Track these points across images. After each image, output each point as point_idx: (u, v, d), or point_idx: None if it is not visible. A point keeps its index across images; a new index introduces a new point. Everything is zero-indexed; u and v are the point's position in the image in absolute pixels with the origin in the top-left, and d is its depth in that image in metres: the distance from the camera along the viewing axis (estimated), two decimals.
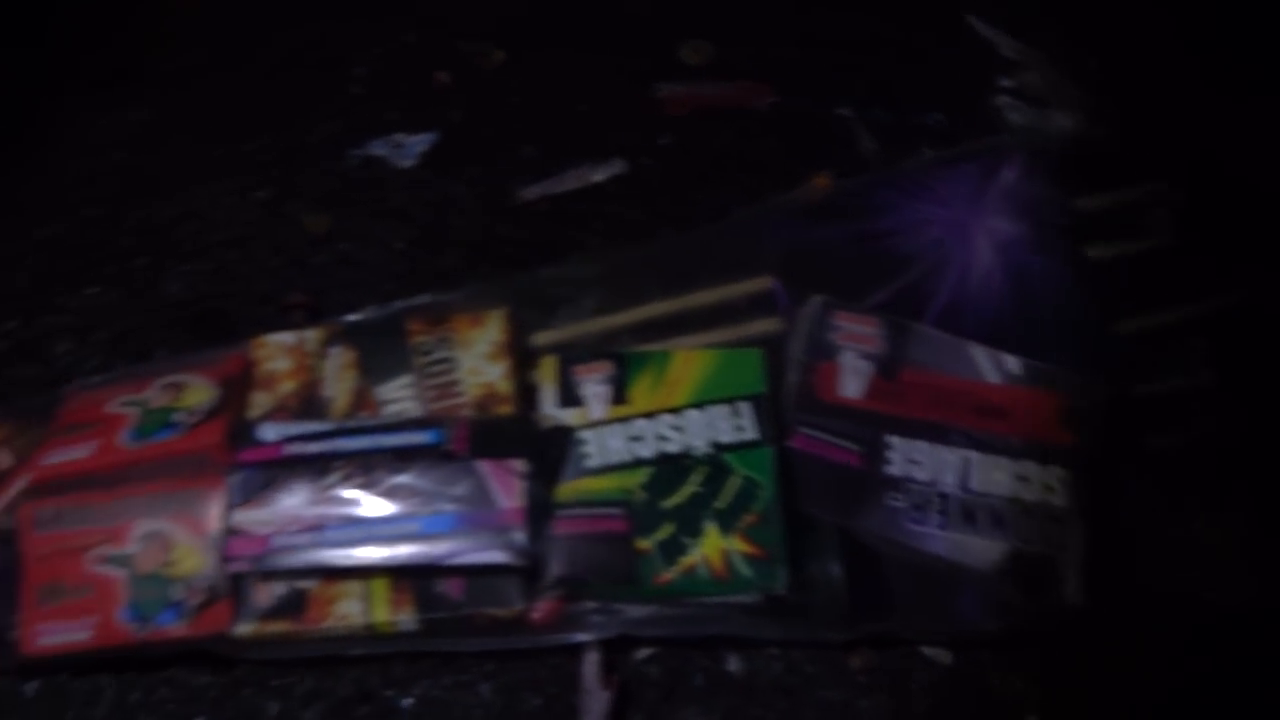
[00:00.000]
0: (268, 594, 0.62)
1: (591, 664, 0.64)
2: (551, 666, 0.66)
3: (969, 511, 0.62)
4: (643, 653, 0.66)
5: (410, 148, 0.92)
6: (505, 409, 0.67)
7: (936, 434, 0.64)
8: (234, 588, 0.62)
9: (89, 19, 1.02)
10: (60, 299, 0.85)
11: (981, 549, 0.62)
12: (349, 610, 0.62)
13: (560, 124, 0.93)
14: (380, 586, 0.63)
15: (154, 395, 0.68)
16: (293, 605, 0.62)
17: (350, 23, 1.02)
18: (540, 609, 0.62)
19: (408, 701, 0.65)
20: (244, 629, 0.61)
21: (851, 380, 0.66)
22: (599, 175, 0.88)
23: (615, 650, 0.65)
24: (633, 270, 0.76)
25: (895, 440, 0.64)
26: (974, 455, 0.64)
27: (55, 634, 0.61)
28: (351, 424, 0.64)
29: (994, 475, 0.64)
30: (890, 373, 0.66)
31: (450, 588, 0.62)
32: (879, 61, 0.95)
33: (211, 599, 0.62)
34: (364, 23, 1.02)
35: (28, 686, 0.67)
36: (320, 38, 1.02)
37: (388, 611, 0.62)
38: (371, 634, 0.62)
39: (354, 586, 0.63)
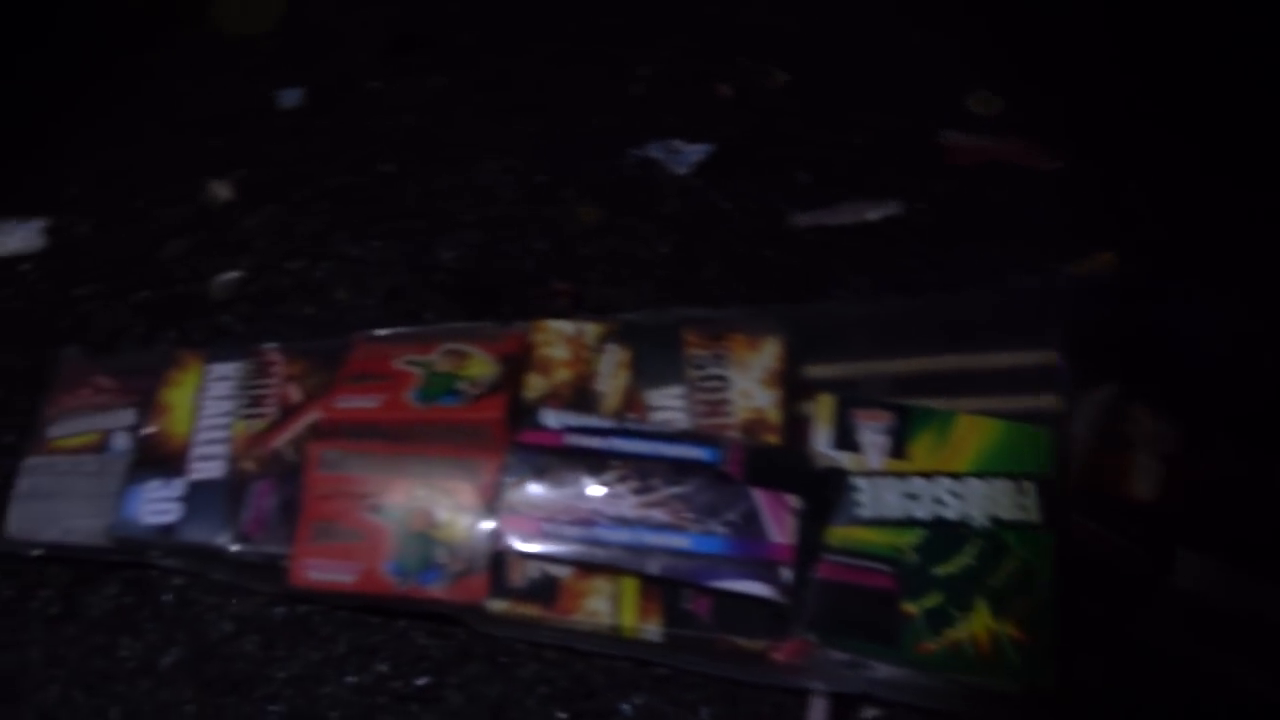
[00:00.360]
0: (522, 575, 0.63)
1: (819, 711, 0.63)
2: (774, 704, 0.65)
3: (1251, 640, 0.58)
4: (871, 712, 0.64)
5: (686, 155, 0.92)
6: (772, 438, 0.67)
7: (1230, 552, 0.60)
8: (493, 563, 0.64)
9: None
10: (343, 246, 0.89)
11: (1258, 680, 0.58)
12: (598, 608, 0.63)
13: (838, 155, 0.92)
14: (631, 591, 0.63)
15: (438, 360, 0.70)
16: (545, 591, 0.63)
17: (638, 23, 1.03)
18: (786, 648, 0.61)
19: (627, 706, 0.66)
20: (497, 605, 0.63)
21: (1143, 479, 0.63)
22: (873, 213, 0.87)
23: (843, 703, 0.64)
24: (910, 318, 0.74)
25: (1186, 552, 0.61)
26: (1268, 582, 0.60)
27: (323, 571, 0.64)
28: (631, 426, 0.64)
29: None
30: (1185, 478, 0.63)
31: (698, 606, 0.62)
32: (1183, 141, 0.90)
33: (470, 569, 0.64)
34: (651, 25, 1.03)
35: (277, 610, 0.70)
36: (608, 33, 1.04)
37: (635, 617, 0.62)
38: (615, 635, 0.63)
39: (605, 585, 0.63)
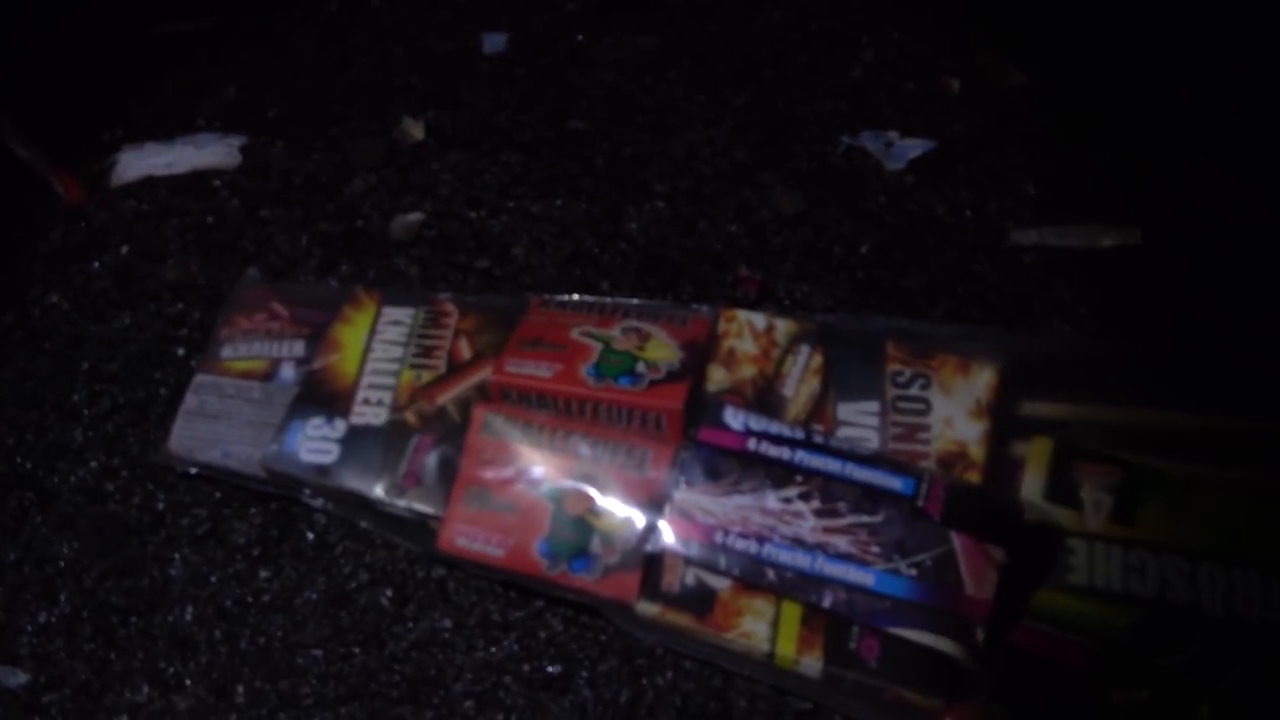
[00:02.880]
0: (677, 580, 0.59)
1: None
2: None
3: None
4: None
5: (902, 150, 0.85)
6: (973, 476, 0.60)
7: None
8: (649, 562, 0.59)
9: None
10: (526, 202, 0.85)
11: None
12: (754, 629, 0.57)
13: (1073, 169, 0.83)
14: (791, 618, 0.57)
15: (617, 336, 0.65)
16: (700, 602, 0.58)
17: (870, 2, 0.96)
18: (961, 712, 0.54)
19: None
20: (647, 608, 0.58)
21: None
22: (1108, 240, 0.77)
23: None
24: (1146, 362, 0.65)
25: None
26: None
27: (472, 540, 0.61)
28: (819, 439, 0.58)
29: None
30: None
31: (866, 648, 0.56)
32: None
33: (625, 564, 0.59)
34: (884, 3, 0.95)
35: (415, 567, 0.68)
36: (834, 8, 0.96)
37: (794, 647, 0.56)
38: (768, 662, 0.57)
39: (765, 607, 0.58)
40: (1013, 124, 0.87)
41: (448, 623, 0.66)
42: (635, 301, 0.71)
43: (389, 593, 0.68)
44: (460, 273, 0.82)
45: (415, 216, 0.85)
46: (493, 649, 0.65)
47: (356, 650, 0.66)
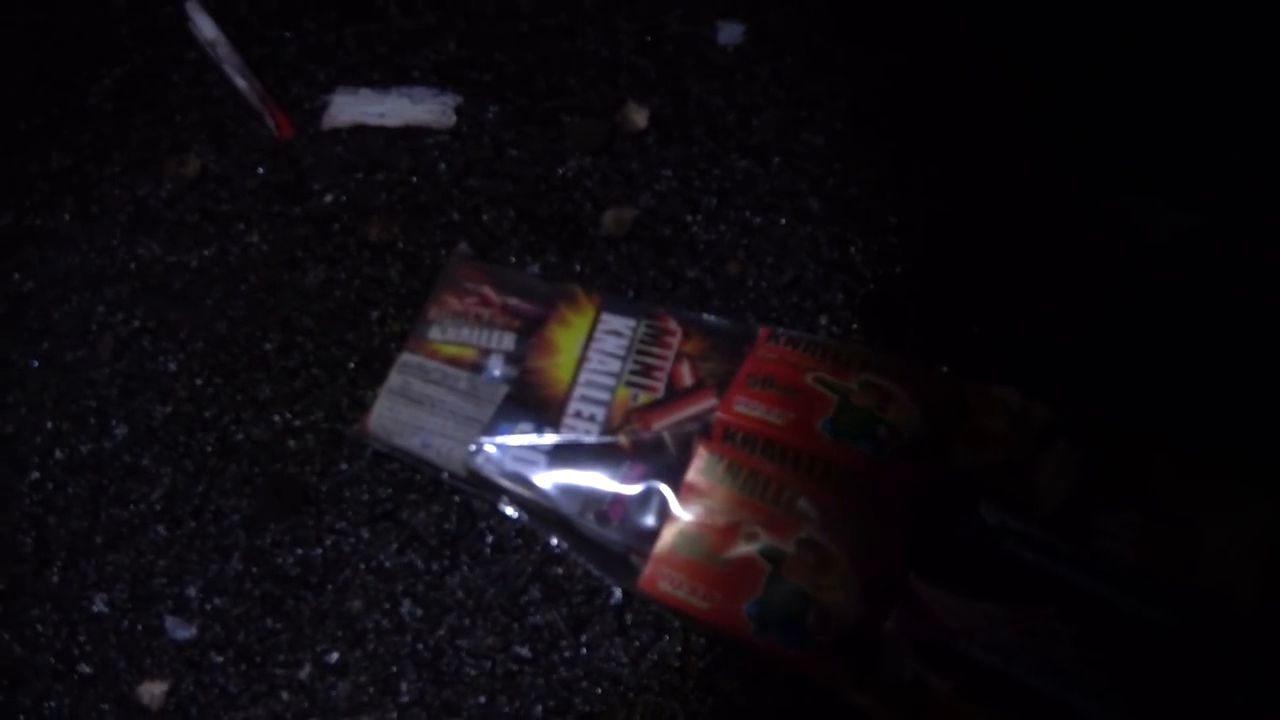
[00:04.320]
0: (899, 670, 0.53)
1: None
2: None
3: None
4: None
5: (1161, 222, 0.77)
6: (1240, 616, 0.53)
7: None
8: (869, 647, 0.54)
9: None
10: (746, 214, 0.81)
11: None
12: None
13: None
14: None
15: (855, 390, 0.60)
16: (916, 701, 0.53)
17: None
18: None
19: None
20: (859, 697, 0.53)
21: None
22: None
23: None
24: None
25: None
26: None
27: (678, 586, 0.57)
28: (1085, 554, 0.52)
29: None
30: None
31: None
32: None
33: (840, 644, 0.54)
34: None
35: (593, 594, 0.64)
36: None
37: None
38: None
39: None
40: None
41: (623, 657, 0.63)
42: (877, 354, 0.65)
43: (565, 612, 0.64)
44: (670, 278, 0.77)
45: (629, 211, 0.80)
46: (667, 695, 0.61)
47: (526, 668, 0.62)
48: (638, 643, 0.63)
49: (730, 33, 0.91)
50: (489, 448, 0.61)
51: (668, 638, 0.63)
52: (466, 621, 0.64)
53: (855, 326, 0.74)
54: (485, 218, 0.81)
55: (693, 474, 0.58)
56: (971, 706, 0.53)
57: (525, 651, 0.63)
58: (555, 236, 0.80)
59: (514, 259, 0.79)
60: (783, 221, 0.80)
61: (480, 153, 0.85)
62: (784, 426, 0.58)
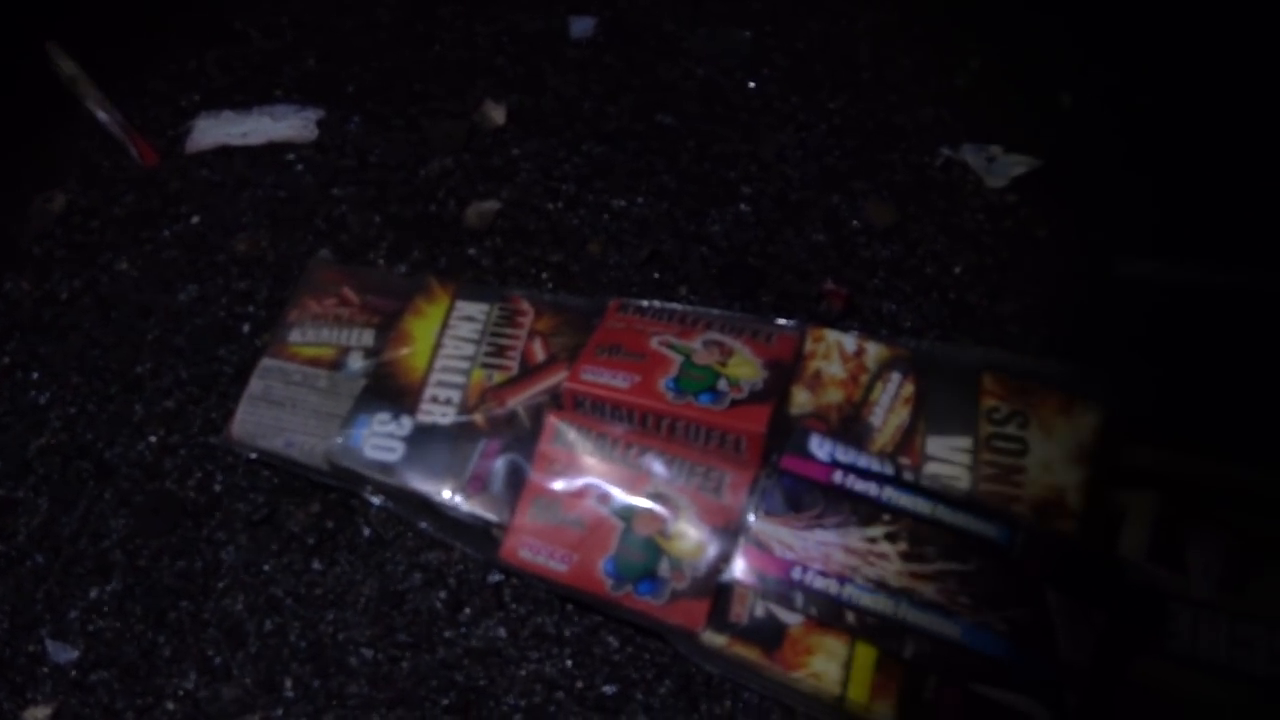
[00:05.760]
0: (747, 612, 0.56)
1: None
2: None
3: None
4: None
5: (1005, 166, 0.80)
6: (1068, 525, 0.56)
7: None
8: (719, 591, 0.56)
9: None
10: (605, 196, 0.83)
11: None
12: (826, 670, 0.54)
13: (1195, 199, 0.78)
14: (865, 661, 0.54)
15: (698, 349, 0.62)
16: (769, 636, 0.55)
17: (984, 3, 0.90)
18: None
19: None
20: (714, 639, 0.55)
21: None
22: (1225, 278, 0.72)
23: None
24: (1272, 417, 0.60)
25: None
26: None
27: (536, 553, 0.58)
28: (909, 477, 0.55)
29: None
30: None
31: (944, 700, 0.52)
32: None
33: (694, 590, 0.56)
34: (998, 8, 0.90)
35: (470, 572, 0.66)
36: (945, 10, 0.91)
37: (866, 693, 0.53)
38: (838, 707, 0.54)
39: (838, 647, 0.55)
40: (1130, 147, 0.81)
41: (502, 632, 0.64)
42: (717, 311, 0.67)
43: (443, 595, 0.66)
44: (534, 266, 0.79)
45: (491, 205, 0.82)
46: (547, 663, 0.63)
47: (408, 653, 0.64)
48: (516, 616, 0.64)
49: (582, 26, 0.93)
50: (348, 440, 0.63)
51: (544, 608, 0.64)
52: (348, 614, 0.65)
53: (714, 293, 0.77)
54: (352, 224, 0.83)
55: (544, 444, 0.60)
56: (818, 634, 0.55)
57: (406, 637, 0.64)
58: (420, 236, 0.81)
59: (382, 261, 0.80)
60: (640, 200, 0.82)
61: (344, 162, 0.86)
62: (629, 389, 0.60)
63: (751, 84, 0.88)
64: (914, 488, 0.55)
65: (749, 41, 0.91)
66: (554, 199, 0.83)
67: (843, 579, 0.53)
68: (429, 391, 0.64)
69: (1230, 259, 0.73)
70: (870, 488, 0.55)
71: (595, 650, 0.63)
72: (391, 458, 0.62)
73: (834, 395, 0.61)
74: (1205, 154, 0.78)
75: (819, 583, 0.53)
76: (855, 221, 0.80)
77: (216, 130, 0.88)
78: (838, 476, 0.55)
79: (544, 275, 0.78)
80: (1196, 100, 0.81)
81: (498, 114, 0.87)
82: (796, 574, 0.53)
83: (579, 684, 0.62)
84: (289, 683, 0.63)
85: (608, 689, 0.62)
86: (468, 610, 0.65)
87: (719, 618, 0.56)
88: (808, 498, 0.55)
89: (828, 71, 0.89)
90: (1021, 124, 0.83)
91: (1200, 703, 0.50)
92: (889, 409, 0.61)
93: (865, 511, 0.54)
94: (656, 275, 0.78)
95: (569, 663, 0.63)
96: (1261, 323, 0.69)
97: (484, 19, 0.96)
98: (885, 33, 0.91)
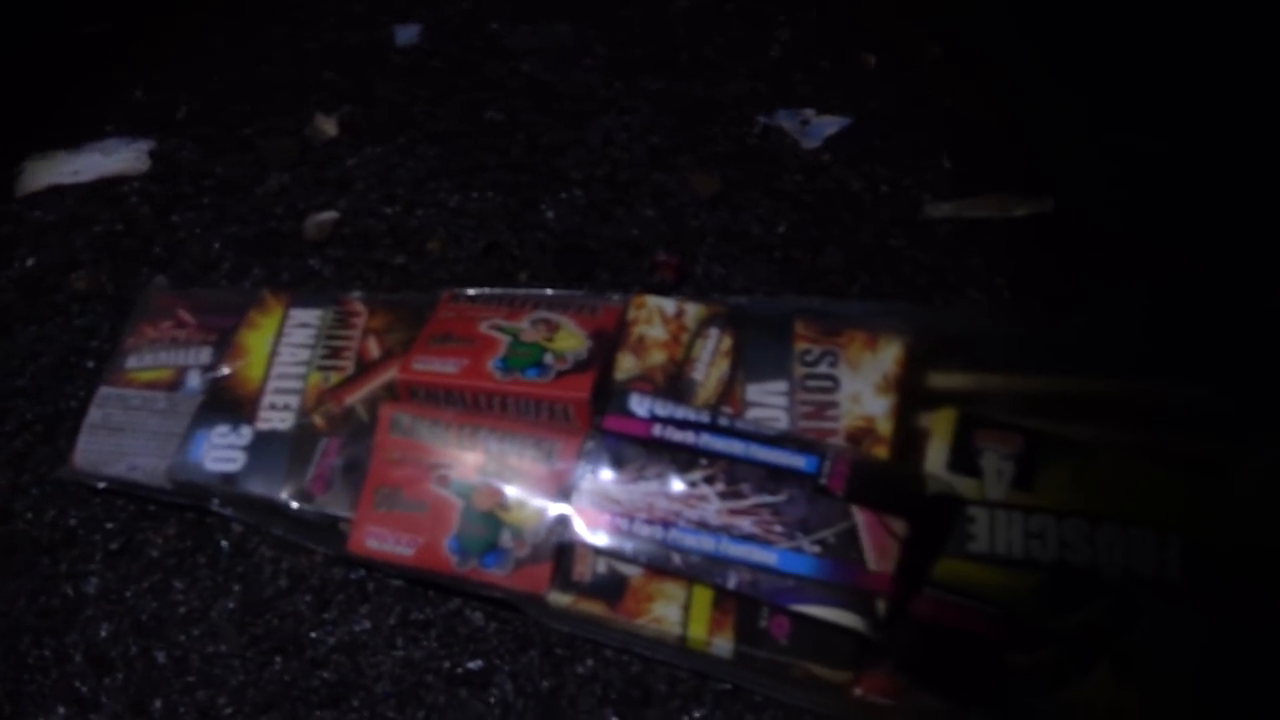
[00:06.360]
0: (589, 569, 0.58)
1: None
2: None
3: None
4: None
5: (818, 128, 0.85)
6: (880, 450, 0.60)
7: None
8: (559, 553, 0.59)
9: None
10: (441, 195, 0.85)
11: None
12: (666, 614, 0.57)
13: (988, 140, 0.83)
14: (703, 600, 0.57)
15: (526, 328, 0.65)
16: (611, 589, 0.58)
17: None
18: (867, 684, 0.55)
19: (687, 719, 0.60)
20: (559, 598, 0.58)
21: None
22: (1021, 209, 0.78)
23: None
24: (1055, 331, 0.65)
25: None
26: None
27: (383, 541, 0.60)
28: (723, 422, 0.58)
29: None
30: None
31: (776, 627, 0.56)
32: None
33: (535, 556, 0.59)
34: None
35: (333, 571, 0.67)
36: None
37: (705, 629, 0.56)
38: (681, 646, 0.57)
39: (676, 590, 0.58)
40: (928, 98, 0.86)
41: (368, 624, 0.66)
42: (549, 292, 0.70)
43: (308, 598, 0.67)
44: (376, 270, 0.81)
45: (329, 215, 0.84)
46: (413, 648, 0.64)
47: (276, 657, 0.65)
48: (380, 607, 0.66)
49: (407, 34, 0.95)
50: (187, 455, 0.64)
51: (407, 596, 0.66)
52: (214, 629, 0.66)
53: (553, 276, 0.79)
54: (192, 249, 0.83)
55: (381, 435, 0.62)
56: (657, 582, 0.58)
57: (273, 643, 0.65)
58: (261, 253, 0.82)
59: (225, 282, 0.81)
60: (475, 196, 0.85)
61: (180, 188, 0.87)
62: (459, 373, 0.62)
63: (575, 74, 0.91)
64: (728, 431, 0.58)
65: (570, 34, 0.94)
66: (391, 203, 0.85)
67: (667, 524, 0.56)
68: (267, 399, 0.66)
69: (1021, 193, 0.78)
70: (688, 436, 0.58)
71: (459, 629, 0.65)
72: (233, 467, 0.63)
73: (658, 357, 0.64)
74: (992, 98, 0.84)
75: (645, 530, 0.56)
76: (682, 195, 0.83)
77: (47, 171, 0.88)
78: (657, 430, 0.58)
79: (386, 278, 0.80)
80: (981, 50, 0.86)
81: (329, 126, 0.89)
82: (624, 525, 0.56)
83: (446, 663, 0.64)
84: (158, 704, 0.64)
85: (474, 664, 0.64)
86: (333, 608, 0.66)
87: (563, 579, 0.58)
88: (630, 453, 0.58)
89: (647, 56, 0.92)
90: (831, 87, 0.88)
91: (999, 593, 0.54)
92: (710, 363, 0.64)
93: (684, 459, 0.57)
94: (496, 265, 0.80)
95: (435, 644, 0.65)
96: (1051, 244, 0.75)
97: (313, 34, 0.97)
98: (699, 14, 0.95)
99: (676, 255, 0.79)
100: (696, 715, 0.60)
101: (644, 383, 0.64)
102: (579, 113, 0.89)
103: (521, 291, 0.70)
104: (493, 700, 0.62)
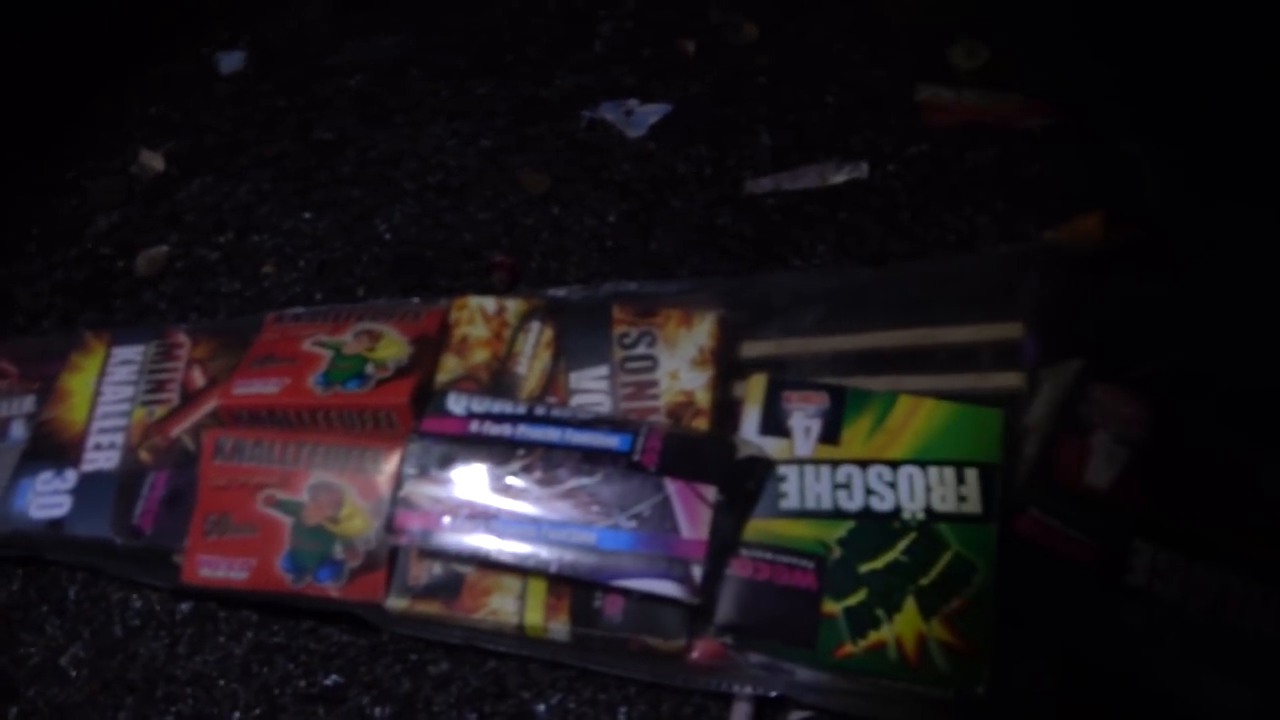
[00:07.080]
0: (424, 572, 0.59)
1: (742, 714, 0.58)
2: (696, 705, 0.60)
3: (1217, 647, 0.52)
4: (798, 715, 0.59)
5: (642, 117, 0.86)
6: (701, 423, 0.62)
7: (1196, 547, 0.54)
8: (392, 558, 0.59)
9: None
10: (274, 218, 0.85)
11: (1224, 693, 0.52)
12: (503, 606, 0.58)
13: (805, 115, 0.86)
14: (538, 589, 0.58)
15: (349, 341, 0.65)
16: (447, 588, 0.59)
17: None
18: (701, 649, 0.56)
19: (542, 707, 0.61)
20: (396, 603, 0.59)
21: (1102, 465, 0.57)
22: (838, 177, 0.80)
23: (769, 704, 0.59)
24: (863, 290, 0.68)
25: (1144, 546, 0.54)
26: (1237, 582, 0.53)
27: (216, 568, 0.60)
28: (540, 411, 0.59)
29: (1260, 611, 0.53)
30: (1151, 465, 0.56)
31: (609, 605, 0.57)
32: (1182, 92, 0.82)
33: (370, 565, 0.59)
34: None
35: (182, 606, 0.67)
36: None
37: (541, 616, 0.57)
38: (520, 635, 0.58)
39: (512, 582, 0.59)
40: (746, 78, 0.89)
41: (219, 655, 0.65)
42: (370, 304, 0.70)
43: (161, 634, 0.67)
44: (210, 300, 0.80)
45: (161, 250, 0.83)
46: (269, 672, 0.65)
47: (128, 699, 0.64)
48: (232, 635, 0.66)
49: (231, 61, 0.95)
50: (11, 506, 0.63)
51: (259, 623, 0.66)
52: (64, 677, 0.65)
53: (390, 288, 0.80)
54: (21, 300, 0.82)
55: (206, 462, 0.62)
56: (493, 576, 0.59)
57: (125, 685, 0.64)
58: (93, 296, 0.82)
59: (55, 329, 0.80)
60: (308, 216, 0.85)
61: (4, 238, 0.85)
62: (279, 393, 0.62)
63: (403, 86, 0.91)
64: (545, 420, 0.59)
65: (395, 45, 0.94)
66: (223, 231, 0.84)
67: (489, 518, 0.57)
68: (91, 440, 0.65)
69: (838, 161, 0.81)
70: (505, 429, 0.59)
71: (314, 647, 0.65)
72: (59, 512, 0.63)
73: (481, 355, 0.65)
74: (806, 73, 0.86)
75: (467, 526, 0.57)
76: (514, 195, 0.84)
77: None
78: (474, 426, 0.59)
79: (221, 307, 0.80)
80: (795, 28, 0.89)
81: (156, 161, 0.88)
82: (447, 523, 0.57)
83: (302, 683, 0.64)
84: None
85: (329, 681, 0.64)
86: (184, 643, 0.66)
87: (399, 583, 0.59)
88: (449, 452, 0.59)
89: (473, 60, 0.93)
90: (652, 76, 0.89)
91: (812, 545, 0.56)
92: (532, 356, 0.65)
93: (501, 452, 0.58)
94: (332, 284, 0.81)
95: (290, 665, 0.65)
96: (869, 207, 0.77)
97: (134, 70, 0.96)
98: (522, 15, 0.96)
99: (511, 255, 0.80)
100: (553, 702, 0.61)
101: (468, 382, 0.65)
102: (409, 123, 0.89)
103: (346, 306, 0.71)
104: (351, 711, 0.63)
